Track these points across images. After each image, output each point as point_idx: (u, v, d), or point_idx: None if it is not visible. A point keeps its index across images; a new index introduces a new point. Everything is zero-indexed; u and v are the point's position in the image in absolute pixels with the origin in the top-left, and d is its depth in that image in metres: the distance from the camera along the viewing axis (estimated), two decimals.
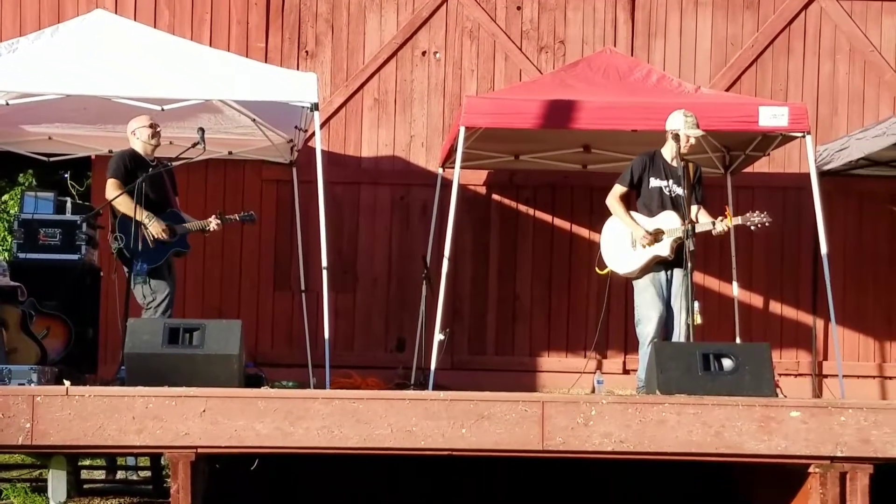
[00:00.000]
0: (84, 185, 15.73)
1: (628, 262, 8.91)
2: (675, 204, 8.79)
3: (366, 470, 8.10)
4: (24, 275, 9.01)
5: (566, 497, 8.47)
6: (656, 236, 8.77)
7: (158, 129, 9.06)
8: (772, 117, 9.35)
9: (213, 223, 9.12)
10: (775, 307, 11.52)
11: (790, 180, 11.29)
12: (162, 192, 9.06)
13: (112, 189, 8.86)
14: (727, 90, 11.34)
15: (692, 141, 8.81)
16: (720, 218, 8.75)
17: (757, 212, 8.77)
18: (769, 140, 10.04)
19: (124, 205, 8.79)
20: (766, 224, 8.76)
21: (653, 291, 8.81)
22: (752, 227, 8.82)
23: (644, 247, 8.79)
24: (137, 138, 9.04)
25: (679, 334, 8.69)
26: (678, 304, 8.72)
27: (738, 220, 8.77)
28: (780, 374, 10.14)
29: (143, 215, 8.81)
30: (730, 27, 11.62)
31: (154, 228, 8.82)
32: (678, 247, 8.70)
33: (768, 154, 10.54)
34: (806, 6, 11.63)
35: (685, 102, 9.36)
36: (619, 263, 8.99)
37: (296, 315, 11.04)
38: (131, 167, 8.90)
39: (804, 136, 9.45)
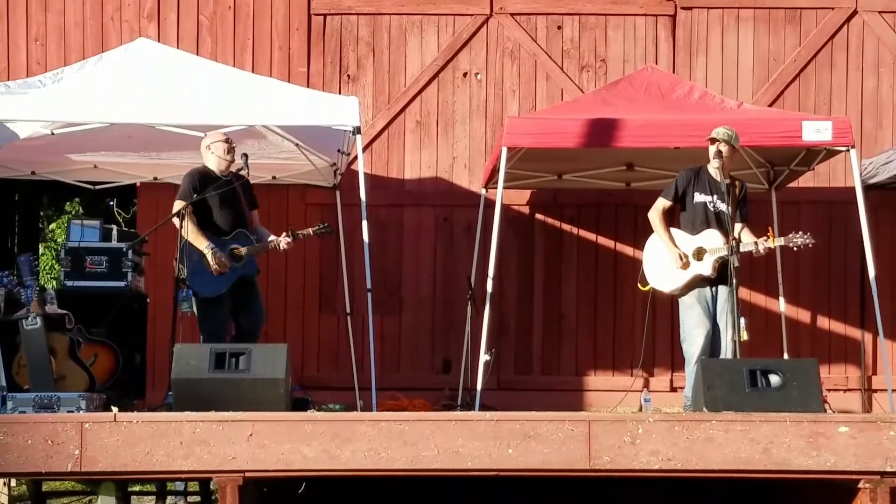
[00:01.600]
0: (130, 213, 15.90)
1: (671, 281, 8.90)
2: (719, 220, 8.77)
3: (413, 492, 8.09)
4: (71, 302, 9.08)
5: None
6: (698, 255, 8.75)
7: (234, 145, 9.03)
8: (815, 132, 9.30)
9: (282, 242, 9.02)
10: (823, 322, 11.44)
11: (835, 194, 11.22)
12: (233, 210, 8.98)
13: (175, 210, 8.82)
14: (770, 105, 11.29)
15: (722, 147, 8.76)
16: (763, 238, 8.71)
17: (800, 232, 8.74)
18: (813, 155, 9.97)
19: (188, 232, 8.79)
20: (809, 245, 8.71)
21: (698, 309, 8.78)
22: (795, 248, 8.78)
23: (681, 268, 8.78)
24: (212, 153, 9.00)
25: (725, 351, 8.65)
26: (724, 320, 8.69)
27: (781, 241, 8.75)
28: (828, 390, 10.07)
29: (203, 245, 8.78)
30: (772, 42, 11.57)
31: (212, 260, 8.77)
32: (721, 265, 8.67)
33: (813, 169, 10.47)
34: (848, 19, 11.56)
35: (728, 119, 9.33)
36: (662, 281, 8.98)
37: (342, 338, 11.05)
38: (200, 187, 8.86)
39: (848, 150, 9.38)
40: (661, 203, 8.97)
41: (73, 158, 10.47)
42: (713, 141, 8.80)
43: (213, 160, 9.01)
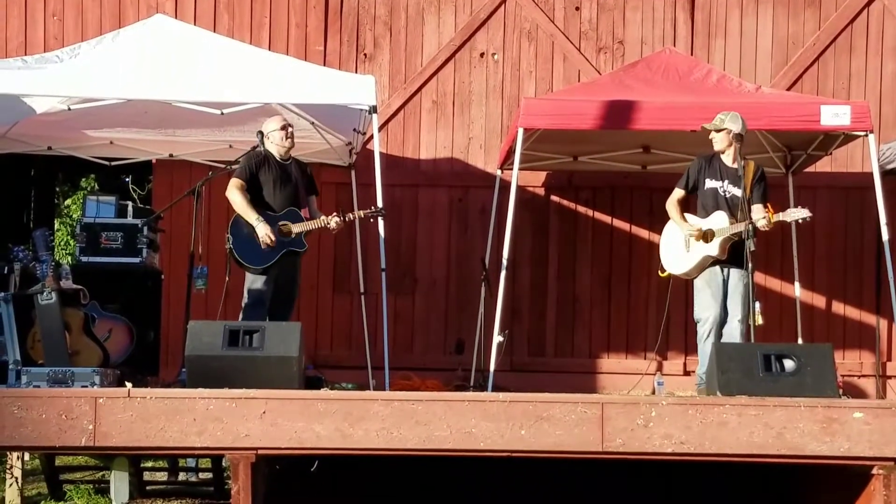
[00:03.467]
0: (145, 189, 15.91)
1: (683, 263, 8.98)
2: (731, 204, 8.79)
3: (425, 472, 8.10)
4: (86, 278, 9.08)
5: (626, 498, 8.45)
6: (706, 236, 8.77)
7: (291, 131, 9.07)
8: (834, 116, 9.27)
9: (332, 221, 8.98)
10: (838, 308, 11.41)
11: (853, 179, 11.18)
12: (287, 192, 9.01)
13: (230, 188, 8.87)
14: (788, 89, 11.25)
15: (713, 136, 8.81)
16: (762, 216, 8.70)
17: (799, 207, 8.75)
18: (831, 139, 9.94)
19: (238, 206, 8.85)
20: (807, 218, 8.70)
21: (709, 292, 8.86)
22: (792, 222, 8.79)
23: (692, 238, 8.83)
24: (271, 141, 9.05)
25: (732, 334, 8.69)
26: (734, 303, 8.74)
27: (780, 216, 8.75)
28: (843, 375, 10.05)
29: (252, 217, 8.81)
30: (791, 26, 11.52)
31: (260, 231, 8.81)
32: (731, 246, 8.71)
33: (830, 153, 10.44)
34: (868, 4, 11.50)
35: (746, 102, 9.31)
36: (674, 265, 9.07)
37: (355, 317, 11.05)
38: (256, 169, 8.92)
39: (867, 135, 9.35)
40: (676, 193, 9.09)
41: (89, 134, 10.47)
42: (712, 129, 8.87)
43: (273, 148, 9.05)
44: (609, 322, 11.44)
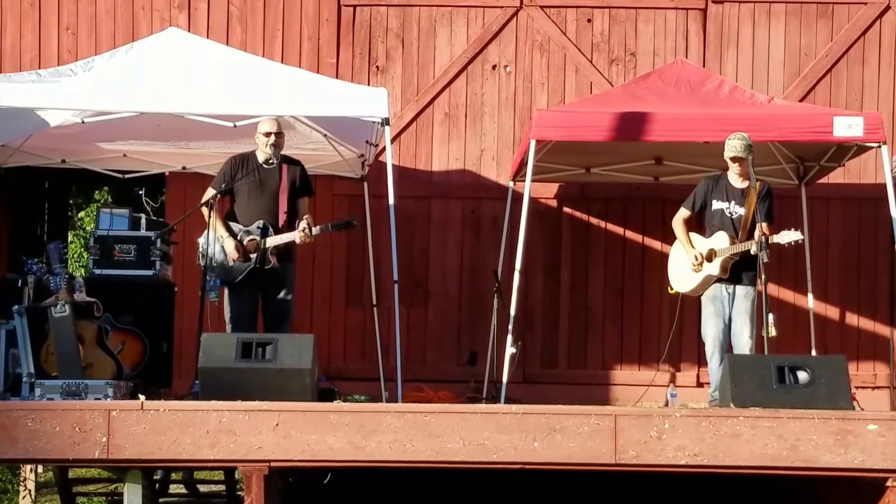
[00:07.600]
0: (158, 202, 15.95)
1: (687, 282, 9.13)
2: (736, 225, 8.92)
3: (437, 484, 8.10)
4: (99, 290, 9.11)
5: None
6: (708, 258, 8.86)
7: (274, 140, 9.00)
8: (846, 127, 9.25)
9: (297, 236, 8.96)
10: (852, 319, 11.38)
11: (866, 191, 11.16)
12: (263, 200, 9.04)
13: (203, 199, 9.00)
14: (801, 101, 11.22)
15: (737, 161, 8.88)
16: (757, 240, 8.73)
17: (792, 229, 8.77)
18: (844, 150, 9.92)
19: (208, 220, 8.92)
20: (800, 241, 8.74)
21: (712, 309, 9.00)
22: (786, 245, 8.79)
23: (695, 270, 9.00)
24: (257, 142, 9.12)
25: (743, 350, 8.75)
26: (740, 322, 8.81)
27: (773, 239, 8.75)
28: (856, 387, 10.01)
29: (220, 232, 8.92)
30: (803, 37, 11.50)
31: (228, 247, 8.88)
32: (735, 264, 8.84)
33: (843, 165, 10.42)
34: (881, 15, 11.49)
35: (758, 113, 9.31)
36: (681, 283, 9.22)
37: (368, 329, 11.04)
38: (233, 174, 9.01)
39: (880, 147, 9.33)
40: (682, 213, 9.19)
41: (102, 147, 10.51)
42: (735, 159, 8.85)
43: (258, 151, 9.12)
44: (622, 333, 11.43)
